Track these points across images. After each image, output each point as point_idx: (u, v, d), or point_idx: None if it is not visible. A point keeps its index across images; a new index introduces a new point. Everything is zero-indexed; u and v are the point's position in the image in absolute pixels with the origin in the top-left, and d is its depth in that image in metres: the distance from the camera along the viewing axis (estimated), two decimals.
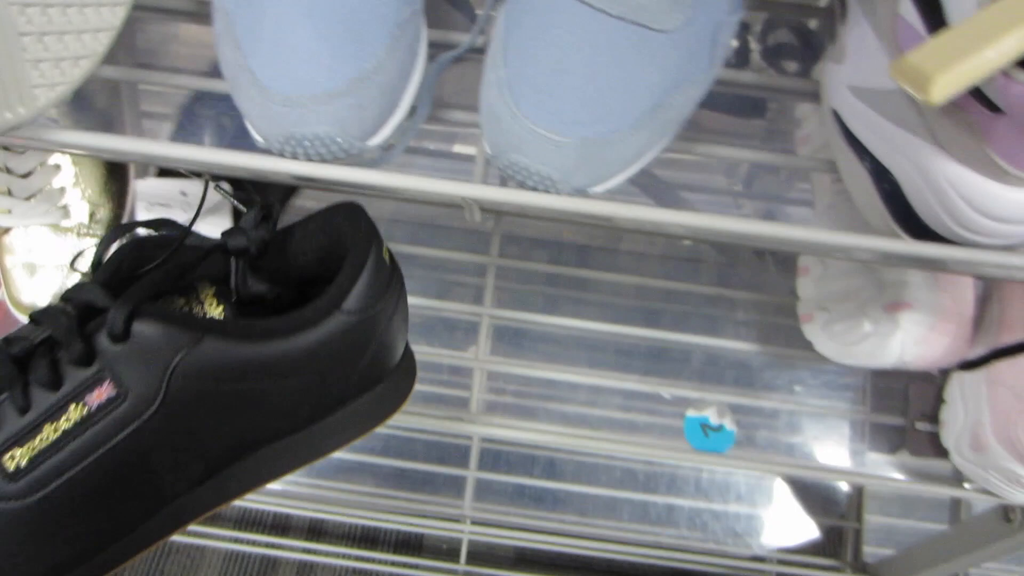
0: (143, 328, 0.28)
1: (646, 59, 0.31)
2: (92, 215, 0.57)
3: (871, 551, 0.89)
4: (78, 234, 0.56)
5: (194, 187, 0.53)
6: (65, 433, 0.28)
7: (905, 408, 0.60)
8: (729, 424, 0.58)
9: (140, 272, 0.31)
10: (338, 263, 0.34)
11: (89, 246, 0.57)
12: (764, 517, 0.84)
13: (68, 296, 0.30)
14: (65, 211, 0.56)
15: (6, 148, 0.55)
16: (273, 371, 0.30)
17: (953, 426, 0.53)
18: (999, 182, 0.27)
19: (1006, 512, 0.58)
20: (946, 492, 0.55)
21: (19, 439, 0.28)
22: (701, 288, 0.64)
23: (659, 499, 0.82)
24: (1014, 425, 0.48)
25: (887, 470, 0.69)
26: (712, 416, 0.58)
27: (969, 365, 0.50)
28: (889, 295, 0.50)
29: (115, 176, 0.59)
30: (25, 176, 0.55)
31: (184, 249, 0.32)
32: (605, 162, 0.31)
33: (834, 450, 0.68)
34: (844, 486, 0.90)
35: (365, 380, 0.35)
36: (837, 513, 0.86)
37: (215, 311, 0.34)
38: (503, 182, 0.34)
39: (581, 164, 0.31)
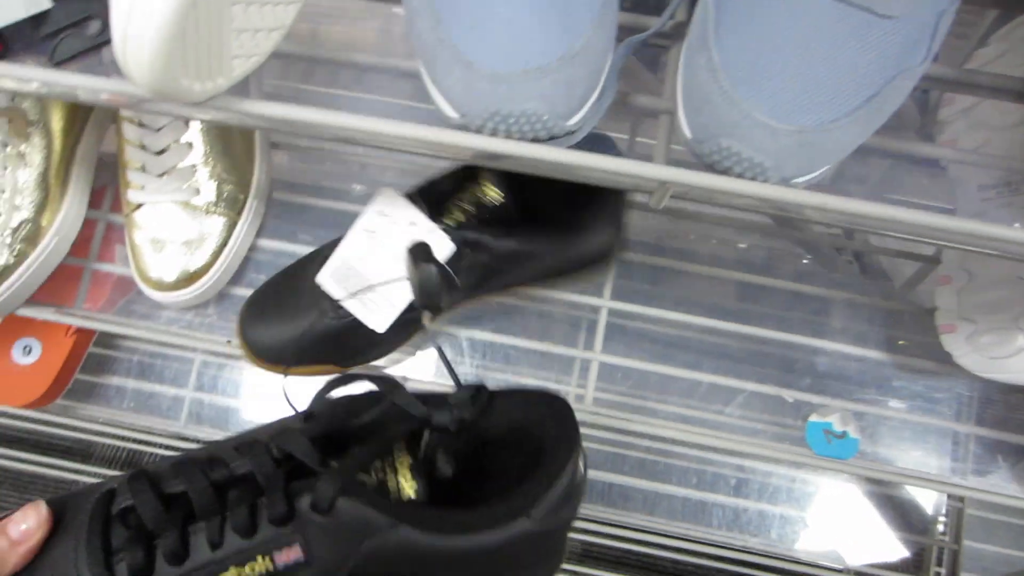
0: (347, 506, 0.29)
1: (868, 45, 0.30)
2: (220, 194, 0.57)
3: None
4: (206, 212, 0.57)
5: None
6: None
7: None
8: (853, 431, 0.56)
9: (349, 427, 0.32)
10: (531, 454, 0.34)
11: (217, 223, 0.57)
12: (856, 532, 0.82)
13: (279, 442, 0.31)
14: (195, 189, 0.56)
15: (142, 125, 0.56)
16: (454, 565, 0.30)
17: None
18: None
19: None
20: None
21: (204, 573, 0.29)
22: (788, 285, 0.62)
23: (751, 504, 0.80)
24: None
25: (998, 486, 0.66)
26: (836, 423, 0.56)
27: None
28: None
29: (243, 156, 0.59)
30: (159, 153, 0.56)
31: (394, 413, 0.33)
32: (819, 152, 0.30)
33: (939, 463, 0.66)
34: (936, 504, 0.87)
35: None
36: (928, 533, 0.83)
37: (408, 486, 0.35)
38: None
39: (795, 153, 0.29)
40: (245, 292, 0.60)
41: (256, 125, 0.36)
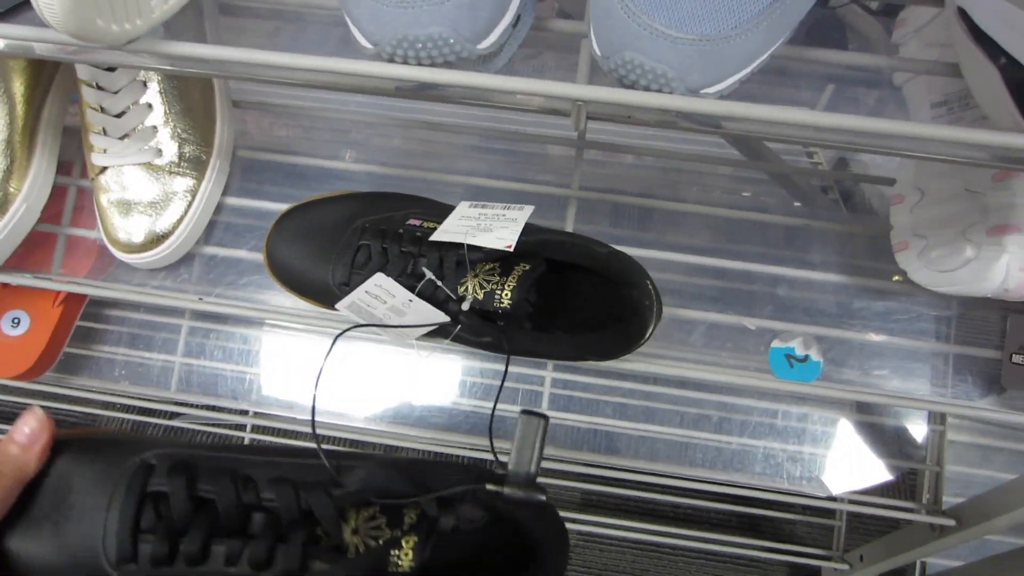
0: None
1: None
2: (182, 154, 0.58)
3: (947, 500, 0.88)
4: (169, 172, 0.58)
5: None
6: None
7: (1001, 341, 0.58)
8: (815, 355, 0.57)
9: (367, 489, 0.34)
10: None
11: (182, 182, 0.58)
12: (841, 460, 0.83)
13: (308, 497, 0.33)
14: (157, 150, 0.57)
15: (100, 88, 0.57)
16: None
17: None
18: None
19: None
20: None
21: None
22: (777, 219, 0.62)
23: (734, 440, 0.81)
24: None
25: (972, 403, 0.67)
26: (798, 347, 0.57)
27: None
28: (994, 218, 0.48)
29: (204, 115, 0.60)
30: (119, 116, 0.57)
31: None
32: (722, 61, 0.30)
33: (917, 385, 0.66)
34: (920, 433, 0.88)
35: None
36: (915, 459, 0.84)
37: (406, 561, 0.37)
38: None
39: (698, 62, 0.30)
40: (216, 251, 0.61)
41: (184, 70, 0.37)
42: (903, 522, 0.87)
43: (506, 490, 0.34)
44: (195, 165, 0.59)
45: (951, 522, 0.76)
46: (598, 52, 0.32)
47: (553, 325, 0.53)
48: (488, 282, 0.51)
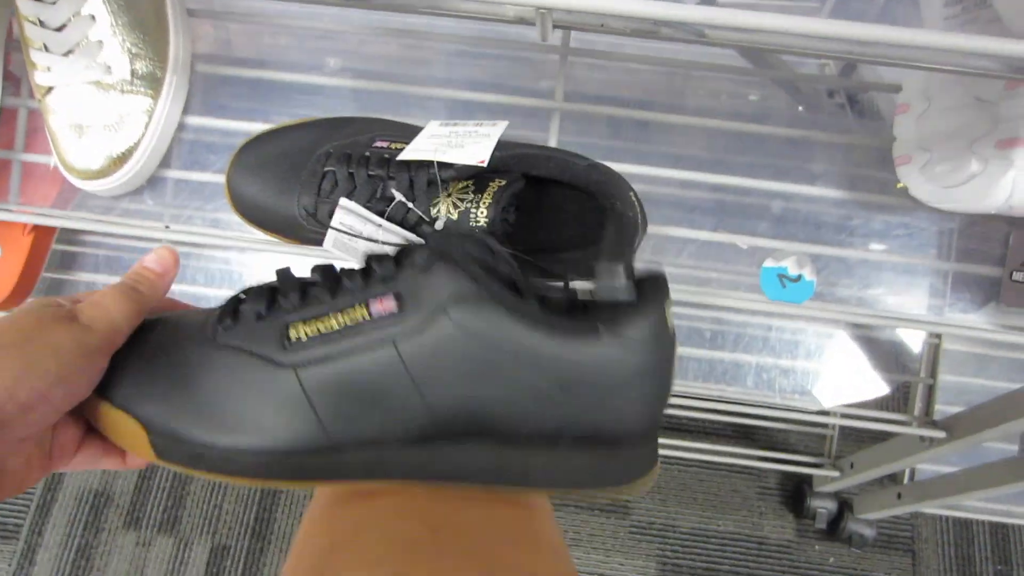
0: (443, 267, 0.31)
1: None
2: (134, 71, 0.54)
3: (940, 408, 0.88)
4: (121, 91, 0.54)
5: None
6: (345, 328, 0.32)
7: (1003, 257, 0.55)
8: (808, 274, 0.55)
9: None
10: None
11: (137, 102, 0.54)
12: (834, 374, 0.83)
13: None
14: (106, 66, 0.53)
15: None
16: (525, 359, 0.30)
17: None
18: None
19: None
20: None
21: (309, 318, 0.32)
22: (777, 131, 0.59)
23: (726, 356, 0.80)
24: None
25: (967, 319, 0.65)
26: (791, 266, 0.55)
27: None
28: (1004, 130, 0.44)
29: (156, 27, 0.56)
30: (60, 29, 0.52)
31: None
32: None
33: (914, 302, 0.64)
34: (917, 345, 0.87)
35: (601, 431, 0.33)
36: (910, 371, 0.84)
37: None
38: None
39: None
40: (179, 174, 0.58)
41: None
42: (894, 431, 0.87)
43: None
44: (150, 82, 0.55)
45: (941, 434, 0.76)
46: None
47: (534, 244, 0.50)
48: (462, 201, 0.49)
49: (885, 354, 0.84)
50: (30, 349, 0.29)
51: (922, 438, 0.80)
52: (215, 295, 0.82)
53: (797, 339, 0.80)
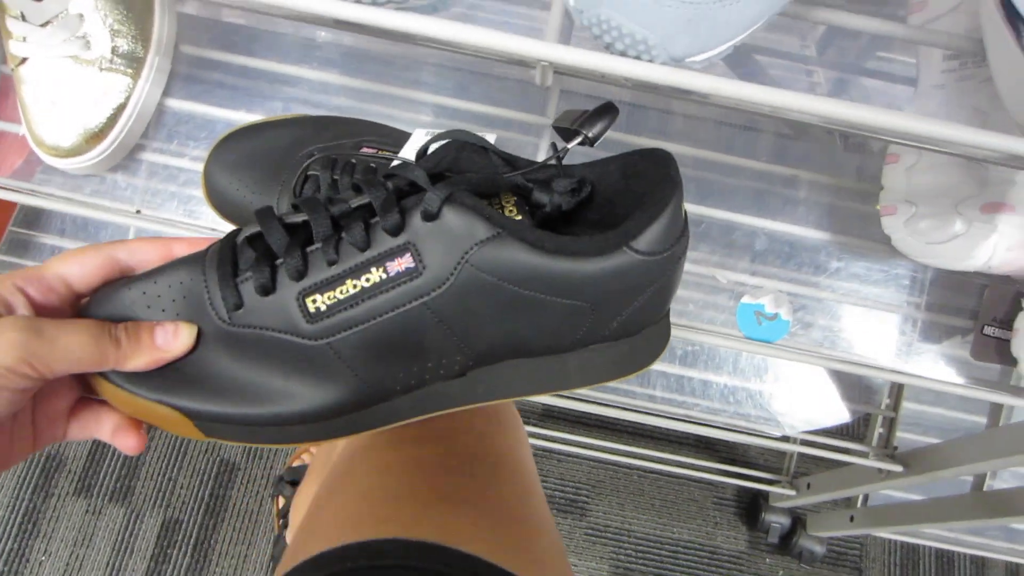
0: (453, 213, 0.30)
1: None
2: (115, 48, 0.52)
3: (899, 435, 0.89)
4: (100, 68, 0.52)
5: None
6: (363, 291, 0.31)
7: (976, 310, 0.56)
8: (785, 314, 0.55)
9: (457, 169, 0.34)
10: (634, 197, 0.34)
11: (115, 80, 0.52)
12: (798, 400, 0.83)
13: (391, 174, 0.32)
14: (85, 41, 0.51)
15: None
16: (553, 286, 0.31)
17: None
18: None
19: None
20: (991, 397, 0.53)
21: (323, 287, 0.31)
22: (758, 163, 0.59)
23: (696, 374, 0.81)
24: None
25: (937, 371, 0.66)
26: (768, 304, 0.55)
27: None
28: (990, 194, 0.45)
29: (140, 3, 0.53)
30: None
31: (496, 160, 0.34)
32: (713, 28, 0.26)
33: (883, 345, 0.65)
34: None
35: (626, 326, 0.34)
36: (872, 402, 0.85)
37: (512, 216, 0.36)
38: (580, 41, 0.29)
39: (685, 29, 0.25)
40: (155, 157, 0.56)
41: None
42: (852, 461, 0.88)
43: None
44: (130, 62, 0.53)
45: (899, 468, 0.78)
46: (572, 3, 0.27)
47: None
48: None
49: (851, 383, 0.85)
50: None
51: (880, 469, 0.81)
52: None
53: (767, 363, 0.81)
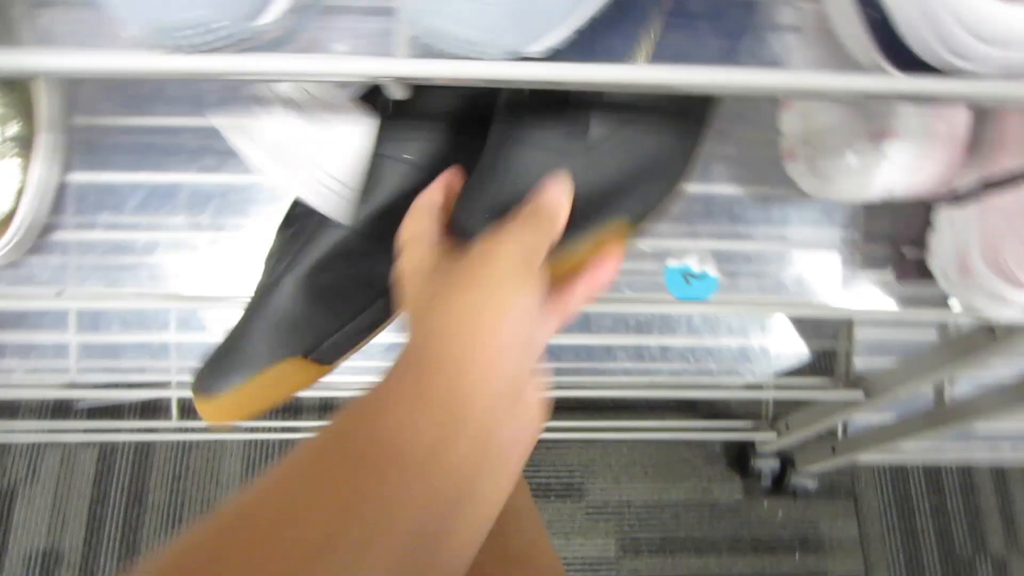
0: None
1: None
2: (3, 132, 0.51)
3: (861, 360, 0.91)
4: None
5: None
6: None
7: (893, 235, 0.57)
8: (712, 271, 0.56)
9: None
10: None
11: (9, 166, 0.52)
12: (757, 346, 0.85)
13: None
14: None
15: None
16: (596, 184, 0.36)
17: (941, 252, 0.51)
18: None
19: (992, 328, 0.57)
20: (932, 316, 0.55)
21: None
22: None
23: (653, 340, 0.82)
24: (1001, 247, 0.46)
25: (874, 299, 0.67)
26: (693, 264, 0.56)
27: (958, 198, 0.47)
28: (876, 125, 0.46)
29: (20, 82, 0.53)
30: None
31: None
32: (538, 16, 0.26)
33: (823, 282, 0.66)
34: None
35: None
36: (828, 334, 0.87)
37: None
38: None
39: (509, 22, 0.26)
40: (66, 235, 0.56)
41: None
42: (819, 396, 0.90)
43: None
44: (21, 145, 0.52)
45: (860, 394, 0.79)
46: (404, 19, 0.28)
47: None
48: None
49: (805, 323, 0.87)
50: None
51: (845, 401, 0.83)
52: (134, 339, 0.80)
53: (719, 318, 0.83)
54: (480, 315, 0.28)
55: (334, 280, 0.40)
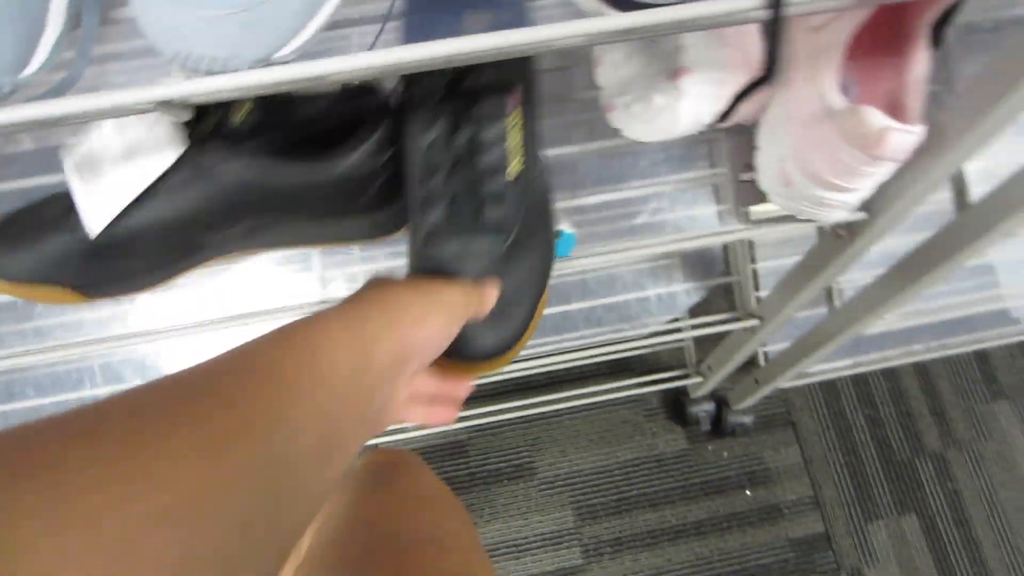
0: None
1: None
2: None
3: (768, 291, 0.96)
4: None
5: None
6: None
7: (732, 163, 0.61)
8: (567, 227, 0.59)
9: None
10: None
11: None
12: (653, 296, 0.89)
13: None
14: None
15: None
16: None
17: (765, 169, 0.55)
18: None
19: (835, 231, 0.62)
20: (783, 232, 0.59)
21: None
22: None
23: (548, 311, 0.85)
24: (809, 155, 0.50)
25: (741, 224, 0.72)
26: None
27: (723, 118, 0.51)
28: (671, 63, 0.50)
29: None
30: None
31: None
32: (272, 25, 0.29)
33: (695, 219, 0.71)
34: (718, 248, 0.94)
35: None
36: (716, 272, 0.91)
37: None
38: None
39: (245, 35, 0.29)
40: None
41: None
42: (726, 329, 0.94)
43: None
44: None
45: (756, 321, 0.84)
46: (157, 48, 0.30)
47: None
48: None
49: (693, 264, 0.91)
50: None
51: (745, 328, 0.87)
52: (50, 403, 0.81)
53: (612, 275, 0.86)
54: (406, 312, 0.37)
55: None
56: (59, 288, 0.49)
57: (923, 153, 0.50)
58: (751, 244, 1.05)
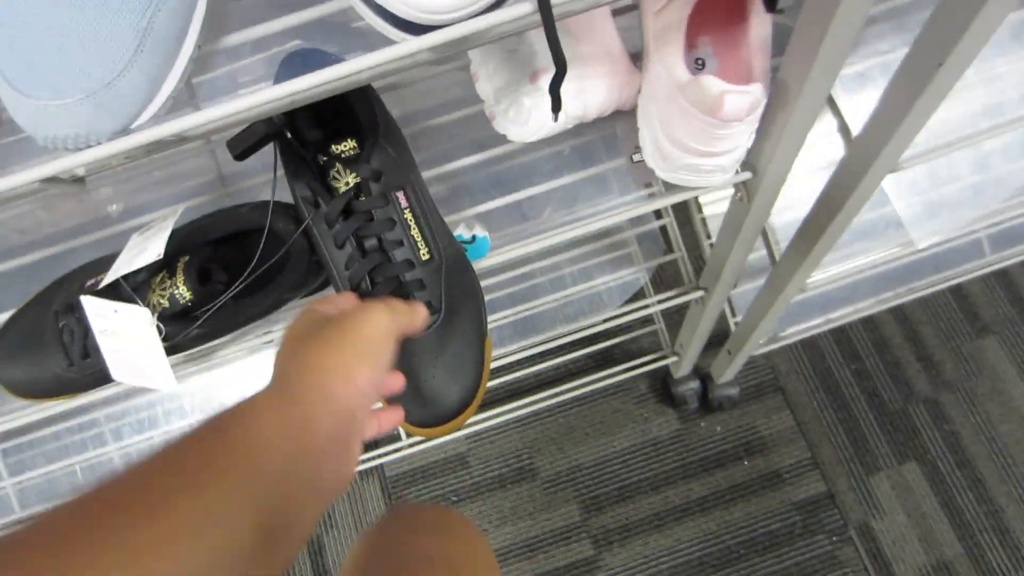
0: None
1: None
2: None
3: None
4: None
5: None
6: None
7: (625, 148, 0.66)
8: (480, 232, 0.64)
9: None
10: None
11: None
12: (604, 285, 0.93)
13: None
14: None
15: None
16: None
17: (646, 146, 0.60)
18: None
19: (739, 196, 0.65)
20: (671, 199, 0.63)
21: None
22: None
23: (516, 317, 0.89)
24: (671, 127, 0.55)
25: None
26: (463, 231, 0.64)
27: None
28: (528, 67, 0.55)
29: None
30: None
31: None
32: (125, 100, 0.35)
33: (588, 206, 0.75)
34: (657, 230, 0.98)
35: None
36: (656, 253, 0.95)
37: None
38: None
39: (100, 113, 0.34)
40: None
41: None
42: (691, 303, 0.97)
43: None
44: None
45: (701, 293, 0.88)
46: (30, 134, 0.36)
47: (250, 290, 0.57)
48: (165, 289, 0.56)
49: (646, 253, 0.95)
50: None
51: (695, 301, 0.91)
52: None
53: (561, 273, 0.91)
54: (334, 374, 0.39)
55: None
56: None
57: (775, 107, 0.54)
58: (704, 221, 1.09)
